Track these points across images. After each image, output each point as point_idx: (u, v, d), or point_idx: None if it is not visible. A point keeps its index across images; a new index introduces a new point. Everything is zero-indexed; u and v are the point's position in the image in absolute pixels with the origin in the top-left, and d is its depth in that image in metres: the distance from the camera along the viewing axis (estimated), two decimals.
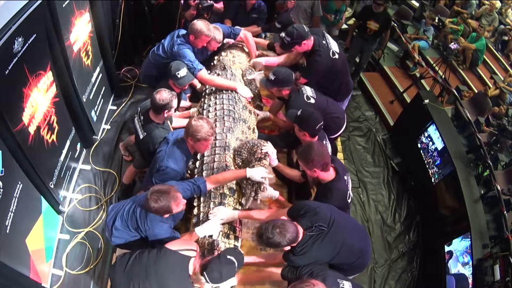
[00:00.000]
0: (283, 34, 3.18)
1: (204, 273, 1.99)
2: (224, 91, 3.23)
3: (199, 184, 2.44)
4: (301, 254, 2.12)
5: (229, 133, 2.93)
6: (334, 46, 3.33)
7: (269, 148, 2.71)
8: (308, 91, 3.13)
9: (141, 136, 2.84)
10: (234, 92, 3.25)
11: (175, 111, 2.93)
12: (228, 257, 2.05)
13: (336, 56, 3.29)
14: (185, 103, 3.62)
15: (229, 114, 3.03)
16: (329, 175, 2.50)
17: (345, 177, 2.57)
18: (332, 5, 5.22)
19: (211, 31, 3.15)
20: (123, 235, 2.34)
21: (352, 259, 2.30)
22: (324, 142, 2.94)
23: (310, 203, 2.29)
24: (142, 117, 2.85)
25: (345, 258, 2.27)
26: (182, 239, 2.31)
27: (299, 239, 2.12)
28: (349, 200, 2.61)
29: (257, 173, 2.53)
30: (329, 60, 3.25)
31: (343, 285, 2.02)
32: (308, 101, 3.06)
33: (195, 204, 2.64)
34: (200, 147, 2.56)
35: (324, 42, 3.26)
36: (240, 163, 2.81)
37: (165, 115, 2.78)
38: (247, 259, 2.49)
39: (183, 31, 3.26)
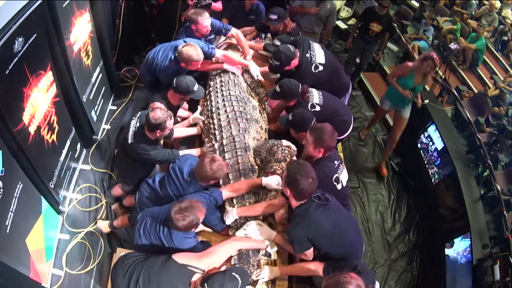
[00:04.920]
0: (271, 59, 3.20)
1: (205, 284, 1.89)
2: (230, 93, 3.23)
3: (215, 196, 2.45)
4: (300, 216, 2.16)
5: (245, 133, 2.94)
6: (319, 57, 3.24)
7: (287, 141, 2.74)
8: (315, 98, 3.02)
9: (129, 141, 2.80)
10: (241, 92, 3.26)
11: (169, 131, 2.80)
12: (233, 274, 1.97)
13: (320, 68, 3.22)
14: (184, 112, 3.55)
15: (241, 116, 3.05)
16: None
17: (336, 162, 2.55)
18: (410, 83, 4.06)
19: (200, 55, 3.02)
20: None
21: (341, 249, 2.27)
22: None
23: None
24: (138, 124, 2.79)
25: (336, 244, 2.24)
26: (197, 253, 2.17)
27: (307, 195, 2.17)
28: (338, 186, 2.53)
29: (272, 181, 2.57)
30: (312, 77, 3.20)
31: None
32: (313, 109, 2.97)
33: (227, 206, 2.61)
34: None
35: (308, 55, 3.22)
36: (260, 163, 2.82)
37: (158, 134, 2.70)
38: (286, 268, 2.48)
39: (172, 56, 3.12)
